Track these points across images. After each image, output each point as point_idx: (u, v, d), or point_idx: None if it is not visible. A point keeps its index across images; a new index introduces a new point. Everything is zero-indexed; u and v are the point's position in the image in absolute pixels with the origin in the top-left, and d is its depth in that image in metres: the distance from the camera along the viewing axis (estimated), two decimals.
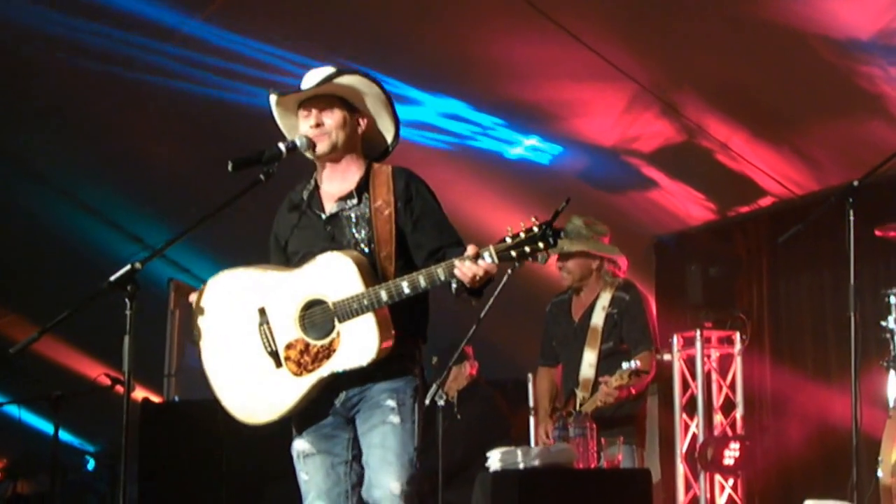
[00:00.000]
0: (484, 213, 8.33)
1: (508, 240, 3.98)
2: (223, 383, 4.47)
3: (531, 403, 8.73)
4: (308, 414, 4.42)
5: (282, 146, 4.36)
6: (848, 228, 5.17)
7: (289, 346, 4.30)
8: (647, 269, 9.14)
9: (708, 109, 7.70)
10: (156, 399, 10.79)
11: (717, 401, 8.49)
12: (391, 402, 4.31)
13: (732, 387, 8.51)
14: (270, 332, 4.34)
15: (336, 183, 4.52)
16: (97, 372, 8.75)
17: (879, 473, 5.49)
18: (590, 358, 6.47)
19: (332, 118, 4.45)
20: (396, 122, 4.60)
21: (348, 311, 4.19)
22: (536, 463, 6.43)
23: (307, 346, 4.27)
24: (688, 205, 8.62)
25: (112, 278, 4.02)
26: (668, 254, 9.23)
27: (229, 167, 4.27)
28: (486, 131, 8.39)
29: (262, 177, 4.34)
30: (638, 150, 8.22)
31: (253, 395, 4.41)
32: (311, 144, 4.42)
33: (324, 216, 4.48)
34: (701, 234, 8.96)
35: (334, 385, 4.34)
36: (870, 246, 5.71)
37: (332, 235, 4.44)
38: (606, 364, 6.46)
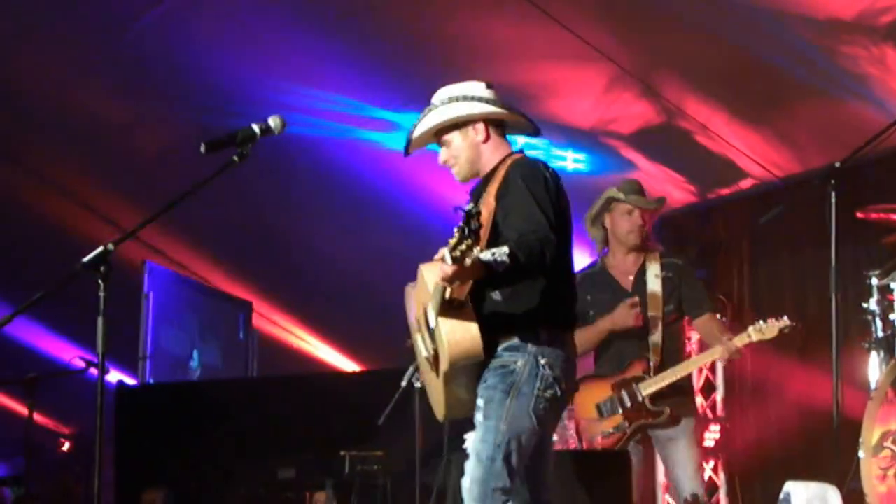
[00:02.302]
0: None
1: (451, 241, 3.93)
2: (426, 385, 4.85)
3: None
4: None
5: (255, 127, 4.39)
6: (829, 210, 5.19)
7: (432, 349, 4.47)
8: None
9: (688, 91, 7.70)
10: (131, 382, 10.74)
11: (698, 383, 8.52)
12: (480, 401, 4.39)
13: (712, 369, 8.58)
14: (423, 338, 4.55)
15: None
16: (71, 354, 8.72)
17: (860, 454, 5.47)
18: (655, 323, 6.39)
19: (449, 151, 4.65)
20: (508, 108, 4.66)
21: (431, 316, 4.33)
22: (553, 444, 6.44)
23: (434, 350, 4.44)
24: (668, 187, 8.61)
25: (85, 260, 4.05)
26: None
27: (202, 149, 4.25)
28: None
29: (235, 158, 4.34)
30: (617, 132, 8.23)
31: (432, 395, 4.73)
32: (285, 125, 4.45)
33: None
34: (681, 216, 8.97)
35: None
36: (851, 228, 5.70)
37: (476, 230, 4.39)
38: (670, 329, 6.43)
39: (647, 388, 6.28)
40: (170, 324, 10.76)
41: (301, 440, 7.60)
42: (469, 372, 4.40)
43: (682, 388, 6.43)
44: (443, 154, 4.66)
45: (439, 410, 4.64)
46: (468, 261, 3.91)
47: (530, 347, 4.38)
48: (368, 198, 9.39)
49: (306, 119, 8.42)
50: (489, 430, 4.32)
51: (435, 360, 4.43)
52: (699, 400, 8.37)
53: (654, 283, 6.46)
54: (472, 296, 4.25)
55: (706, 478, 8.09)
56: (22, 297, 4.23)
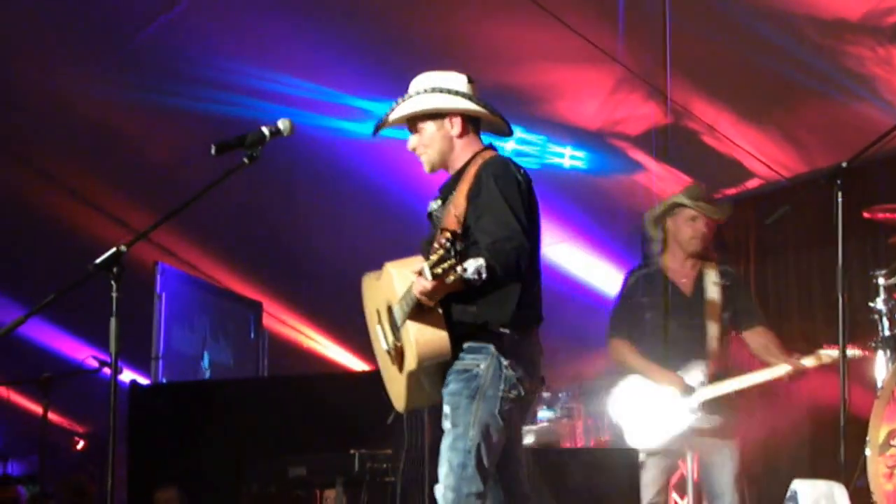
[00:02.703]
0: None
1: (432, 257, 3.93)
2: (382, 372, 4.74)
3: None
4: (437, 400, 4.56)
5: (265, 129, 4.42)
6: (836, 210, 5.17)
7: (394, 346, 4.48)
8: (634, 250, 9.14)
9: (694, 92, 7.73)
10: (143, 381, 10.78)
11: None
12: (446, 409, 4.38)
13: None
14: (384, 331, 4.54)
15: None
16: (85, 354, 8.76)
17: (867, 453, 5.46)
18: (713, 331, 6.37)
19: (420, 139, 4.62)
20: (489, 108, 4.65)
21: (398, 317, 4.35)
22: (524, 442, 6.45)
23: (396, 346, 4.44)
24: (673, 187, 8.58)
25: (98, 261, 4.08)
26: None
27: (212, 151, 4.30)
28: None
29: (245, 160, 4.37)
30: (624, 133, 8.26)
31: (390, 385, 4.68)
32: (294, 128, 4.48)
33: (427, 213, 4.66)
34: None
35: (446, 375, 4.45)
36: (858, 228, 5.67)
37: (432, 237, 4.47)
38: (726, 339, 6.42)
39: (703, 396, 6.26)
40: (182, 324, 10.78)
41: (311, 439, 7.63)
42: (434, 369, 4.40)
43: (735, 403, 6.39)
44: (413, 140, 4.63)
45: (399, 403, 4.62)
46: (450, 279, 3.93)
47: (493, 349, 4.36)
48: (379, 198, 9.42)
49: (318, 119, 8.47)
50: (458, 437, 4.32)
51: (398, 355, 4.43)
52: None
53: (712, 291, 6.43)
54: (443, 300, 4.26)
55: None
56: (36, 299, 4.27)
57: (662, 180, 8.51)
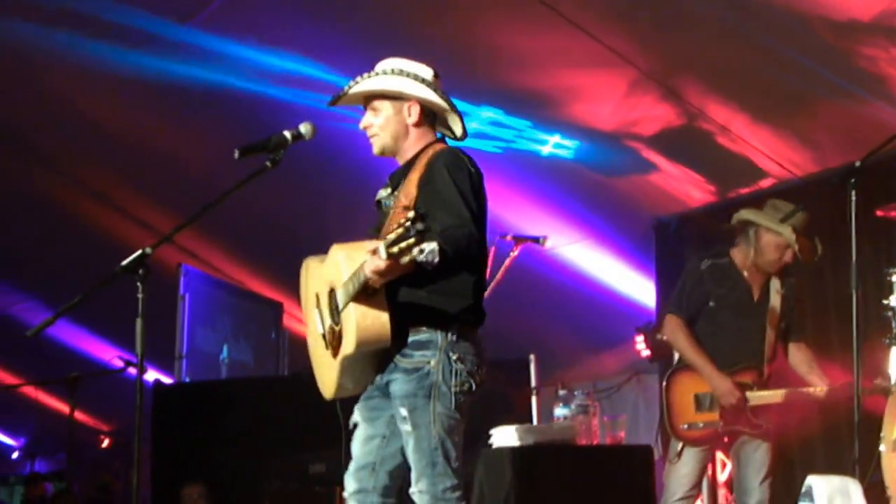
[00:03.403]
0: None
1: (391, 236, 3.87)
2: (311, 358, 4.67)
3: (533, 383, 8.82)
4: (365, 388, 4.54)
5: (287, 133, 4.42)
6: (850, 208, 5.15)
7: (329, 329, 4.43)
8: (647, 249, 9.21)
9: (708, 93, 7.74)
10: (167, 380, 10.89)
11: None
12: (403, 410, 4.34)
13: None
14: (321, 315, 4.49)
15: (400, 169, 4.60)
16: (110, 355, 8.85)
17: (882, 448, 5.48)
18: (770, 338, 6.38)
19: (378, 118, 4.55)
20: (451, 106, 4.59)
21: (340, 299, 4.27)
22: (539, 439, 6.53)
23: (333, 330, 4.38)
24: (688, 187, 8.65)
25: (124, 263, 4.11)
26: (667, 235, 9.25)
27: (235, 154, 4.32)
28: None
29: (268, 164, 4.38)
30: (639, 134, 8.27)
31: (319, 371, 4.61)
32: (315, 132, 4.50)
33: (375, 200, 4.61)
34: (701, 215, 8.94)
35: (380, 364, 4.42)
36: (871, 226, 5.72)
37: (380, 224, 4.50)
38: (779, 346, 6.43)
39: (754, 400, 6.25)
40: (204, 324, 10.89)
41: (331, 436, 7.72)
42: (370, 356, 4.36)
43: (781, 409, 6.42)
44: (368, 118, 4.57)
45: (328, 389, 4.55)
46: (405, 259, 3.90)
47: (440, 342, 4.32)
48: None
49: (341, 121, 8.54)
50: (421, 437, 4.30)
51: (335, 339, 4.37)
52: None
53: (775, 299, 6.43)
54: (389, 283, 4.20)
55: (728, 472, 8.16)
56: (63, 300, 4.28)
57: (677, 180, 8.58)
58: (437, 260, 3.94)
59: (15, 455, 17.47)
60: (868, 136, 6.59)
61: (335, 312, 4.36)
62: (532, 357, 9.28)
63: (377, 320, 4.20)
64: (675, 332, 6.49)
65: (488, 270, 5.99)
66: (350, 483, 4.53)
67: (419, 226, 3.83)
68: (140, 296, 4.12)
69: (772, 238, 6.36)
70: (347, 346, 4.26)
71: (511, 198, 8.86)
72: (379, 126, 4.55)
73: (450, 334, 4.35)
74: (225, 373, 10.87)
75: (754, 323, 6.42)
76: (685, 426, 6.36)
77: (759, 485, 6.36)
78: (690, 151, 8.37)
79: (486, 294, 5.94)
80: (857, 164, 5.17)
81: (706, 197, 8.87)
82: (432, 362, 4.33)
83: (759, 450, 6.36)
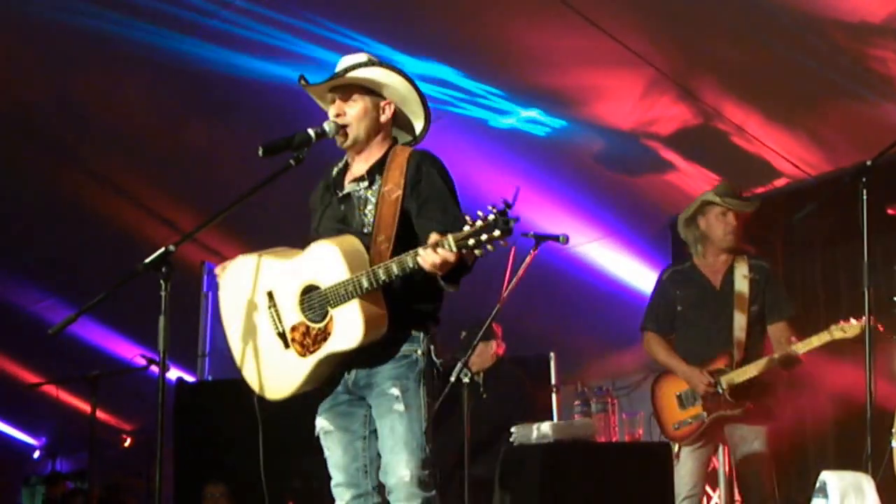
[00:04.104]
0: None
1: (467, 228, 3.93)
2: (244, 361, 4.57)
3: (553, 381, 8.89)
4: (326, 392, 4.55)
5: (311, 131, 4.41)
6: (861, 207, 5.22)
7: (293, 329, 4.41)
8: (664, 247, 9.25)
9: (724, 93, 7.77)
10: (190, 379, 10.96)
11: None
12: (395, 391, 4.36)
13: None
14: (278, 315, 4.45)
15: (360, 164, 4.59)
16: (133, 353, 8.91)
17: (893, 444, 5.51)
18: (740, 321, 6.49)
19: (353, 109, 4.54)
20: (426, 110, 4.63)
21: (337, 296, 4.26)
22: (559, 436, 6.59)
23: (308, 328, 4.37)
24: (704, 186, 8.61)
25: (147, 260, 4.09)
26: None
27: (259, 152, 4.33)
28: (474, 99, 8.36)
29: (292, 162, 4.38)
30: (656, 134, 8.30)
31: (268, 372, 4.52)
32: (339, 129, 4.51)
33: (340, 195, 4.58)
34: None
35: (346, 365, 4.44)
36: (882, 224, 5.70)
37: (343, 216, 4.51)
38: (754, 329, 6.52)
39: (729, 382, 6.37)
40: None
41: None
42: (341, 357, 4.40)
43: (763, 387, 6.47)
44: (341, 107, 4.55)
45: (283, 391, 4.52)
46: (471, 255, 3.97)
47: (423, 339, 4.42)
48: None
49: None
50: (413, 419, 4.34)
51: (310, 337, 4.36)
52: None
53: (741, 284, 6.56)
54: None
55: None
56: (85, 298, 4.30)
57: (693, 179, 8.62)
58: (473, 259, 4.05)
59: (36, 454, 17.55)
60: (879, 135, 6.62)
61: (314, 309, 4.35)
62: (552, 355, 9.37)
63: (379, 315, 4.27)
64: (649, 345, 6.80)
65: (508, 269, 6.10)
66: (345, 492, 4.55)
67: (504, 225, 3.87)
68: (163, 293, 4.09)
69: (710, 213, 6.64)
70: (348, 342, 4.28)
71: (529, 196, 8.94)
72: (354, 117, 4.54)
73: (428, 330, 4.46)
74: None
75: (720, 311, 6.58)
76: (675, 426, 6.54)
77: (760, 475, 6.44)
78: (707, 151, 8.40)
79: (507, 292, 6.09)
80: (869, 163, 5.23)
81: None
82: (419, 351, 4.42)
83: (757, 440, 6.45)
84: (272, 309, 4.47)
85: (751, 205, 6.75)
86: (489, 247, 3.93)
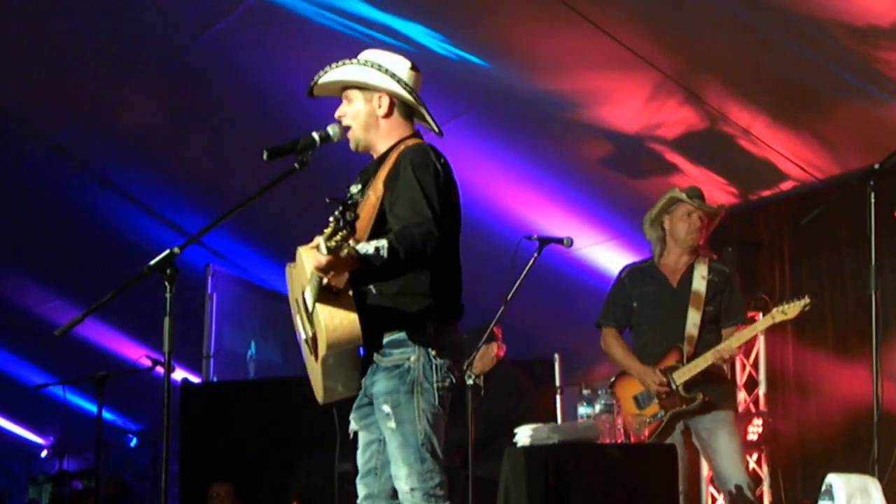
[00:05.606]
0: None
1: (327, 231, 3.88)
2: (306, 364, 4.60)
3: (557, 383, 8.88)
4: (355, 391, 4.51)
5: (315, 135, 4.39)
6: (869, 210, 5.27)
7: (312, 335, 4.37)
8: None
9: (730, 96, 7.76)
10: (195, 380, 10.99)
11: (741, 379, 8.64)
12: (386, 407, 4.32)
13: (755, 365, 8.65)
14: (302, 321, 4.45)
15: (373, 164, 4.57)
16: (138, 354, 8.92)
17: None
18: (694, 318, 6.52)
19: (349, 109, 4.54)
20: (417, 97, 4.52)
21: (308, 300, 4.26)
22: (563, 438, 6.58)
23: (312, 334, 4.35)
24: (710, 189, 8.62)
25: (152, 262, 4.09)
26: None
27: (264, 156, 4.32)
28: None
29: (296, 165, 4.37)
30: (662, 137, 8.29)
31: (311, 376, 4.55)
32: (345, 132, 4.49)
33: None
34: (724, 216, 8.97)
35: (354, 369, 4.42)
36: (889, 227, 5.73)
37: (351, 221, 4.39)
38: (708, 328, 6.57)
39: (681, 377, 6.43)
40: (232, 324, 10.97)
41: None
42: (347, 359, 4.36)
43: (716, 378, 6.55)
44: (342, 108, 4.55)
45: (318, 394, 4.51)
46: (343, 252, 3.87)
47: (418, 339, 4.31)
48: None
49: None
50: (407, 433, 4.28)
51: (314, 343, 4.32)
52: (742, 395, 8.50)
53: (699, 283, 6.60)
54: (354, 286, 4.20)
55: (750, 471, 8.19)
56: (91, 300, 4.29)
57: (699, 183, 8.58)
58: (384, 255, 3.95)
59: (44, 454, 17.62)
60: (887, 138, 6.65)
61: (309, 316, 4.34)
62: (556, 357, 9.37)
63: (345, 319, 4.17)
64: (605, 341, 6.88)
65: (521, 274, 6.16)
66: (359, 489, 4.55)
67: (348, 216, 3.81)
68: (168, 295, 4.08)
69: (676, 212, 6.68)
70: (322, 348, 4.22)
71: (534, 199, 8.95)
72: (350, 116, 4.53)
73: (427, 332, 4.34)
74: (253, 372, 10.94)
75: (675, 308, 6.63)
76: (636, 428, 6.56)
77: (732, 468, 6.44)
78: (713, 154, 8.40)
79: (510, 295, 6.09)
80: (877, 166, 5.25)
81: (728, 199, 8.80)
82: (412, 358, 4.32)
83: (721, 429, 6.47)
84: (299, 315, 4.48)
85: (716, 208, 6.82)
86: (363, 250, 3.93)
